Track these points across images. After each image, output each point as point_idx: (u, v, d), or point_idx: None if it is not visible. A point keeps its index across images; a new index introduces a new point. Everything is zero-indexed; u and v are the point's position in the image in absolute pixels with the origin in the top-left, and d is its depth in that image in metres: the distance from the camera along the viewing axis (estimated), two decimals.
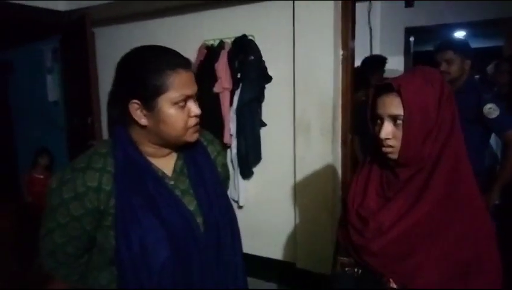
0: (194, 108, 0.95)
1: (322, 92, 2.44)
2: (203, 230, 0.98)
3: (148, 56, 0.92)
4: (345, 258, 1.11)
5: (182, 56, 0.96)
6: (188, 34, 2.91)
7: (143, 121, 0.92)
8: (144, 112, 0.92)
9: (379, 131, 0.98)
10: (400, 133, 0.95)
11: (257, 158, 2.72)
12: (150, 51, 0.94)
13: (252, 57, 2.60)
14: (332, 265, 1.18)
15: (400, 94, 0.93)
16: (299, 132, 2.55)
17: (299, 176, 2.59)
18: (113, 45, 3.32)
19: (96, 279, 0.98)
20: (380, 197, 1.04)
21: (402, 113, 0.94)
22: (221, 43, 2.74)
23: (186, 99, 0.93)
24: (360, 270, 1.07)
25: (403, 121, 0.94)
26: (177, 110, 0.92)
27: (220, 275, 1.00)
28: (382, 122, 0.98)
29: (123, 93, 0.93)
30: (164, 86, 0.90)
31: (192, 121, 0.95)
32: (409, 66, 4.68)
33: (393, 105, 0.95)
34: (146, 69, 0.90)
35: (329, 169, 2.48)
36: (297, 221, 2.66)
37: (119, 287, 0.92)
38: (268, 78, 2.66)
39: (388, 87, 0.96)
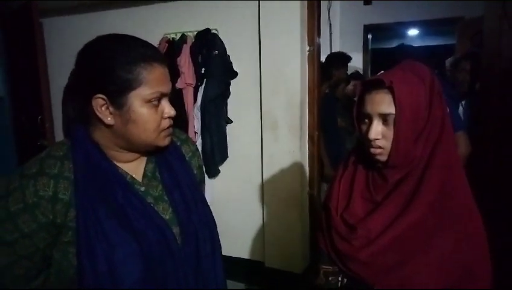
0: (168, 108, 0.84)
1: (289, 88, 2.40)
2: (180, 241, 0.86)
3: (119, 45, 0.80)
4: (328, 267, 1.04)
5: (157, 49, 0.85)
6: (148, 27, 2.77)
7: (109, 120, 0.80)
8: (111, 109, 0.80)
9: (367, 131, 0.92)
10: (390, 133, 0.90)
11: (223, 156, 2.65)
12: (121, 40, 0.82)
13: (216, 52, 2.52)
14: (312, 273, 1.11)
15: (391, 91, 0.88)
16: (266, 129, 2.51)
17: (267, 174, 2.55)
18: (65, 38, 3.10)
19: None
20: (366, 201, 0.98)
21: (393, 111, 0.88)
22: (183, 37, 2.63)
23: (160, 97, 0.82)
24: (345, 280, 1.02)
25: (393, 120, 0.89)
26: (149, 109, 0.81)
27: None
28: (370, 121, 0.92)
29: (85, 86, 0.80)
30: (137, 80, 0.78)
31: (166, 123, 0.85)
32: (367, 62, 4.81)
33: (384, 103, 0.89)
34: (116, 60, 0.78)
35: (297, 166, 2.45)
36: (265, 219, 2.62)
37: None
38: (234, 74, 2.59)
39: (377, 83, 0.90)
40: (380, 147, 0.91)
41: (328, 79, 3.05)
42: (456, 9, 4.07)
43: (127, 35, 0.84)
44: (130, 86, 0.78)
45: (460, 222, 0.89)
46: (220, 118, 2.59)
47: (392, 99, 0.88)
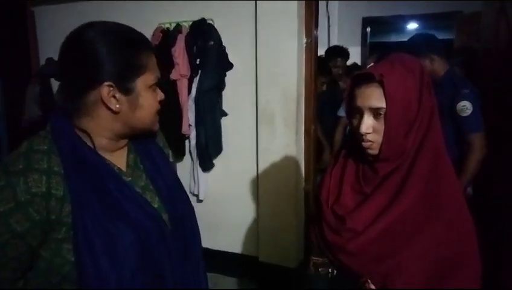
0: (160, 92, 0.88)
1: (285, 81, 2.36)
2: (170, 227, 0.90)
3: (121, 32, 0.82)
4: (318, 258, 1.06)
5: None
6: (142, 16, 2.71)
7: (117, 107, 0.81)
8: (118, 95, 0.80)
9: (358, 125, 0.92)
10: (381, 127, 0.90)
11: (218, 149, 2.62)
12: (117, 28, 0.83)
13: (212, 43, 2.48)
14: (303, 265, 1.12)
15: (381, 85, 0.87)
16: (262, 122, 2.47)
17: (262, 168, 2.52)
18: (56, 26, 3.02)
19: None
20: (356, 193, 0.99)
21: (384, 105, 0.88)
22: (178, 27, 2.58)
23: (157, 83, 0.87)
24: (335, 271, 1.03)
25: (384, 114, 0.88)
26: (151, 93, 0.85)
27: (186, 271, 0.93)
28: (361, 116, 0.92)
29: (86, 77, 0.80)
30: (143, 66, 0.82)
31: (159, 106, 0.89)
32: (366, 56, 4.77)
33: (374, 97, 0.89)
34: (125, 46, 0.80)
35: (292, 160, 2.43)
36: (260, 214, 2.60)
37: None
38: (229, 65, 2.54)
39: (368, 77, 0.89)
40: (370, 141, 0.92)
41: (326, 74, 3.00)
42: (454, 3, 4.05)
43: (115, 22, 0.84)
44: (138, 72, 0.81)
45: (448, 213, 0.89)
46: (214, 111, 2.55)
47: (382, 93, 0.88)
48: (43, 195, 0.75)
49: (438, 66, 2.06)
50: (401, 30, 5.33)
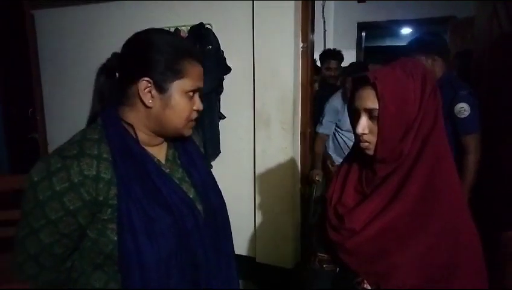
0: (198, 103, 0.94)
1: (282, 85, 2.41)
2: (204, 217, 0.97)
3: (171, 38, 0.92)
4: (323, 255, 1.08)
5: (199, 50, 0.94)
6: (141, 21, 2.75)
7: (150, 102, 0.89)
8: (153, 92, 0.89)
9: (355, 126, 0.95)
10: (376, 128, 0.92)
11: (216, 151, 2.65)
12: (173, 35, 0.95)
13: (210, 47, 2.51)
14: (310, 261, 1.15)
15: (374, 87, 0.89)
16: (259, 125, 2.51)
17: (259, 170, 2.56)
18: (56, 30, 3.06)
19: (87, 284, 0.90)
20: (358, 194, 1.01)
21: (377, 107, 0.90)
22: (177, 31, 2.61)
23: (196, 91, 0.93)
24: (337, 268, 1.04)
25: (378, 116, 0.90)
26: (186, 99, 0.91)
27: (219, 260, 1.00)
28: (359, 117, 0.94)
29: (133, 69, 0.89)
30: (183, 71, 0.89)
31: (194, 115, 0.95)
32: (361, 60, 4.83)
33: (369, 99, 0.91)
34: (168, 51, 0.88)
35: (289, 163, 2.47)
36: (257, 215, 2.64)
37: (122, 284, 0.85)
38: (227, 69, 2.58)
39: (366, 79, 0.92)
40: (367, 142, 0.94)
41: (317, 73, 3.05)
42: (448, 8, 4.12)
43: (175, 33, 0.93)
44: (176, 75, 0.88)
45: (446, 218, 0.89)
46: (213, 113, 2.58)
47: (376, 95, 0.90)
48: (93, 178, 0.83)
49: (441, 65, 2.06)
50: (396, 34, 5.39)
